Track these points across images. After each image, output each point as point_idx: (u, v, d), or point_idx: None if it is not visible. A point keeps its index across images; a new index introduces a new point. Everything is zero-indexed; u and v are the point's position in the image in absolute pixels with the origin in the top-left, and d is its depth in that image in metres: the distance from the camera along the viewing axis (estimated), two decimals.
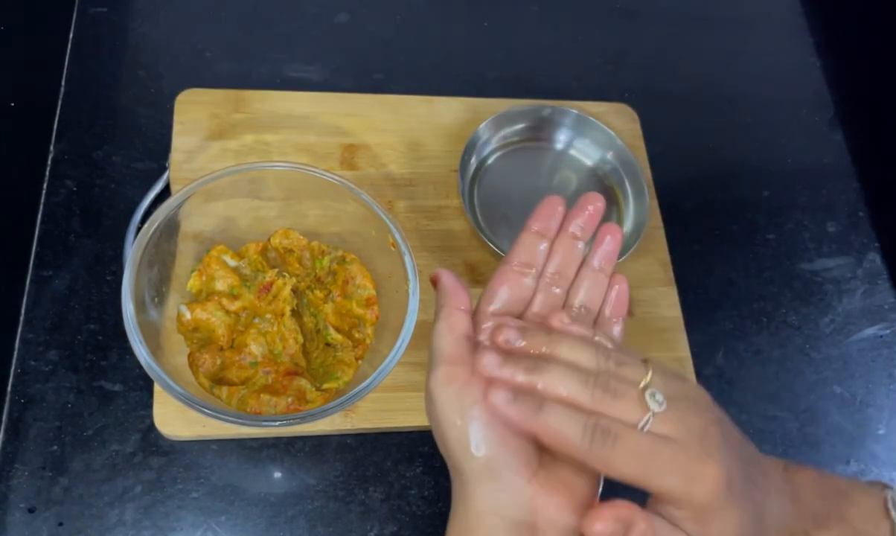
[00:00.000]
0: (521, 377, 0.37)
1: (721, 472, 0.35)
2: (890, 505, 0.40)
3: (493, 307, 0.43)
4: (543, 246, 0.44)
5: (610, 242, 0.44)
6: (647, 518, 0.35)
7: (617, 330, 0.44)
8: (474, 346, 0.39)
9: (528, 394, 0.37)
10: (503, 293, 0.43)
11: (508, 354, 0.38)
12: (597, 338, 0.40)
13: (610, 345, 0.40)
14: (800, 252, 0.72)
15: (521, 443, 0.38)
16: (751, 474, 0.37)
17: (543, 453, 0.39)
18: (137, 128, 0.65)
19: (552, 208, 0.44)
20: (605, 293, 0.44)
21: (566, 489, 0.38)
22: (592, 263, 0.44)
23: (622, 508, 0.35)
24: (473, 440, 0.37)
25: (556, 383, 0.37)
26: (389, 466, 0.56)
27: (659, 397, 0.36)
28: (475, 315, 0.43)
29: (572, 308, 0.44)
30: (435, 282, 0.41)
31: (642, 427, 0.35)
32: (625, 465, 0.35)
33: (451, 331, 0.39)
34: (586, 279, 0.44)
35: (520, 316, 0.43)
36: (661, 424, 0.36)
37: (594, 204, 0.44)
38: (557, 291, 0.44)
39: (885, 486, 0.41)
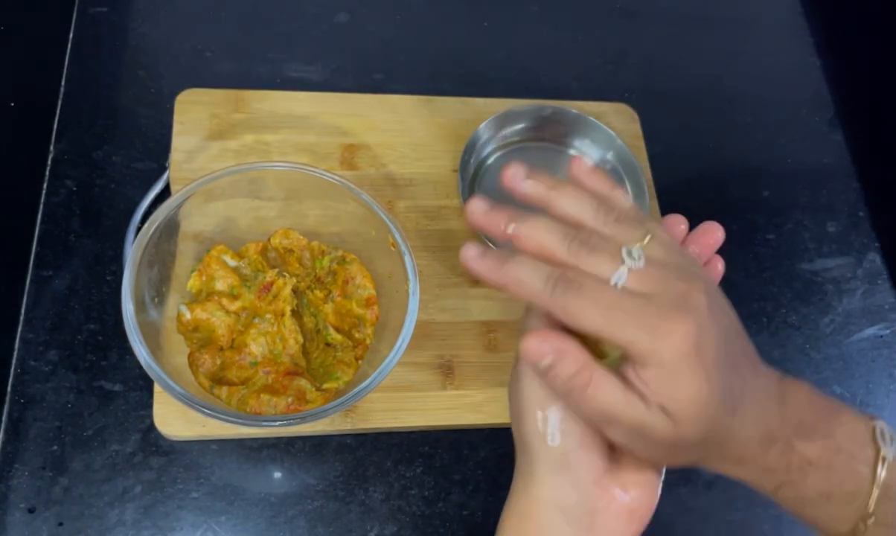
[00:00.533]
0: (503, 225, 0.36)
1: (690, 332, 0.33)
2: (878, 435, 0.39)
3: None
4: None
5: (713, 242, 0.45)
6: (584, 360, 0.34)
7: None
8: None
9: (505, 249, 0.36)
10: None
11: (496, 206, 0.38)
12: (613, 192, 0.39)
13: (625, 205, 0.38)
14: (800, 252, 0.72)
15: (596, 442, 0.38)
16: (735, 360, 0.36)
17: (611, 459, 0.39)
18: (137, 128, 0.65)
19: (675, 227, 0.45)
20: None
21: (625, 496, 0.38)
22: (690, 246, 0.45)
23: (559, 338, 0.34)
24: (552, 430, 0.37)
25: (535, 234, 0.36)
26: (389, 466, 0.56)
27: (636, 253, 0.35)
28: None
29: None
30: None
31: (615, 283, 0.34)
32: (586, 314, 0.33)
33: (538, 319, 0.37)
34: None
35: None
36: (636, 281, 0.34)
37: (715, 235, 0.45)
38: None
39: (873, 417, 0.40)
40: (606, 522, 0.38)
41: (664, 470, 0.41)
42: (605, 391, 0.34)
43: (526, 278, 0.35)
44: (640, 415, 0.34)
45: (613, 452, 0.39)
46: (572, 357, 0.34)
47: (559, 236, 0.35)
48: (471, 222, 0.37)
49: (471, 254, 0.36)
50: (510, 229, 0.36)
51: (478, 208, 0.37)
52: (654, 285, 0.34)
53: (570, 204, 0.37)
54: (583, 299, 0.34)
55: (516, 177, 0.38)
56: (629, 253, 0.35)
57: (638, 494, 0.38)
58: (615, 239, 0.36)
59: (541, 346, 0.34)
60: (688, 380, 0.34)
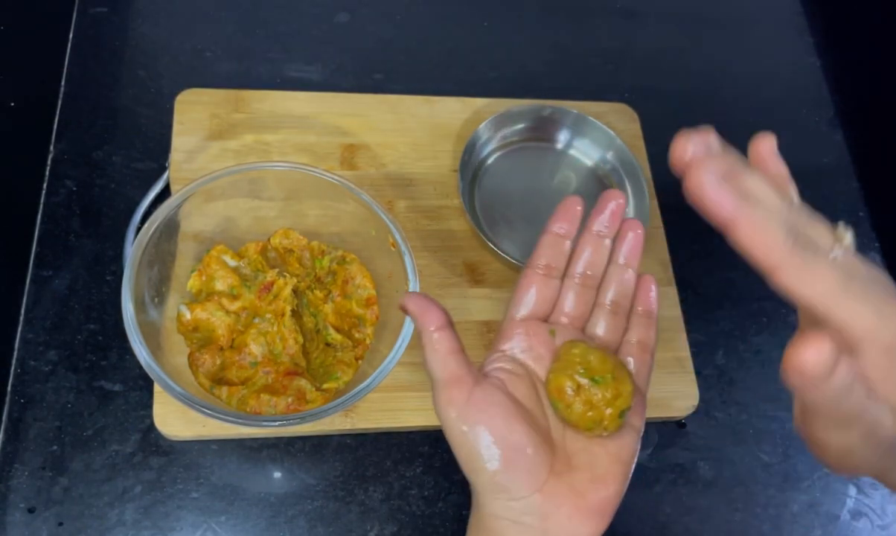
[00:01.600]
0: (724, 166, 0.32)
1: None
2: None
3: (521, 313, 0.43)
4: (566, 247, 0.44)
5: (632, 238, 0.44)
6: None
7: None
8: (465, 358, 0.39)
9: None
10: (530, 297, 0.43)
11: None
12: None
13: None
14: None
15: (527, 457, 0.38)
16: None
17: (556, 461, 0.39)
18: (137, 128, 0.65)
19: (572, 209, 0.44)
20: (635, 291, 0.45)
21: (577, 497, 0.39)
22: (618, 260, 0.45)
23: (830, 340, 0.29)
24: (479, 457, 0.38)
25: (757, 187, 0.32)
26: (389, 466, 0.56)
27: (850, 236, 0.32)
28: (505, 324, 0.43)
29: (605, 306, 0.44)
30: (405, 311, 0.40)
31: (833, 258, 0.31)
32: (822, 280, 0.30)
33: (435, 354, 0.39)
34: (614, 276, 0.44)
35: (547, 319, 0.44)
36: (851, 260, 0.31)
37: (616, 201, 0.44)
38: (589, 298, 0.44)
39: None
40: (559, 524, 0.38)
41: (633, 465, 0.41)
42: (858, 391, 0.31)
43: (769, 223, 0.30)
44: (873, 411, 0.31)
45: (557, 462, 0.39)
46: (847, 360, 0.30)
47: (775, 197, 0.32)
48: (684, 159, 0.33)
49: (711, 179, 0.31)
50: (733, 171, 0.32)
51: (695, 138, 0.33)
52: (864, 270, 0.32)
53: (770, 190, 0.33)
54: (822, 268, 0.30)
55: (720, 163, 0.33)
56: (846, 229, 0.32)
57: (592, 492, 0.39)
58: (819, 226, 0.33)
59: (822, 347, 0.29)
60: None
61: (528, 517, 0.38)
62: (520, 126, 0.69)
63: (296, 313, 0.55)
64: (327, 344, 0.56)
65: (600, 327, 0.45)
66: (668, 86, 0.78)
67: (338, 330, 0.56)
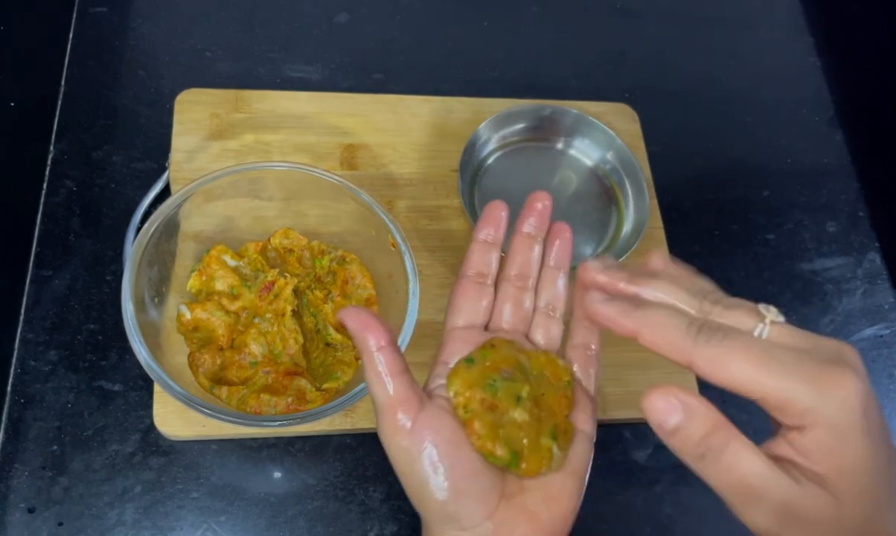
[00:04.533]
0: (623, 284, 0.34)
1: (859, 389, 0.29)
2: None
3: (458, 322, 0.43)
4: (494, 254, 0.44)
5: (559, 243, 0.44)
6: (720, 420, 0.30)
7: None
8: (410, 379, 0.37)
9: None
10: (467, 306, 0.43)
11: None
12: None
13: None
14: (800, 252, 0.72)
15: (477, 483, 0.37)
16: (884, 425, 0.31)
17: (507, 483, 0.38)
18: (137, 128, 0.65)
19: (497, 214, 0.44)
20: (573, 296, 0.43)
21: (531, 518, 0.38)
22: (549, 262, 0.44)
23: (689, 394, 0.30)
24: (427, 487, 0.37)
25: (662, 291, 0.33)
26: (389, 466, 0.55)
27: (774, 310, 0.32)
28: (445, 335, 0.43)
29: (541, 310, 0.44)
30: (344, 327, 0.38)
31: (758, 335, 0.31)
32: (739, 363, 0.29)
33: (378, 376, 0.37)
34: (547, 280, 0.44)
35: (486, 327, 0.43)
36: (781, 335, 0.31)
37: (543, 201, 0.44)
38: (527, 303, 0.43)
39: None
40: None
41: (587, 475, 0.40)
42: (746, 459, 0.30)
43: (667, 323, 0.31)
44: (789, 491, 0.29)
45: (509, 484, 0.38)
46: (704, 415, 0.30)
47: (688, 294, 0.32)
48: (589, 283, 0.36)
49: (597, 298, 0.33)
50: (632, 288, 0.34)
51: (596, 266, 0.36)
52: (802, 340, 0.31)
53: (668, 296, 0.34)
54: (733, 346, 0.30)
55: (610, 284, 0.36)
56: (768, 308, 0.32)
57: (546, 514, 0.38)
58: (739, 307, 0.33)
59: (668, 402, 0.30)
60: (856, 445, 0.29)
61: None
62: (520, 126, 0.69)
63: (296, 313, 0.55)
64: (327, 344, 0.56)
65: (538, 333, 0.44)
66: (668, 86, 0.78)
67: (338, 330, 0.56)
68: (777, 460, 0.30)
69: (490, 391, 0.39)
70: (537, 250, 0.44)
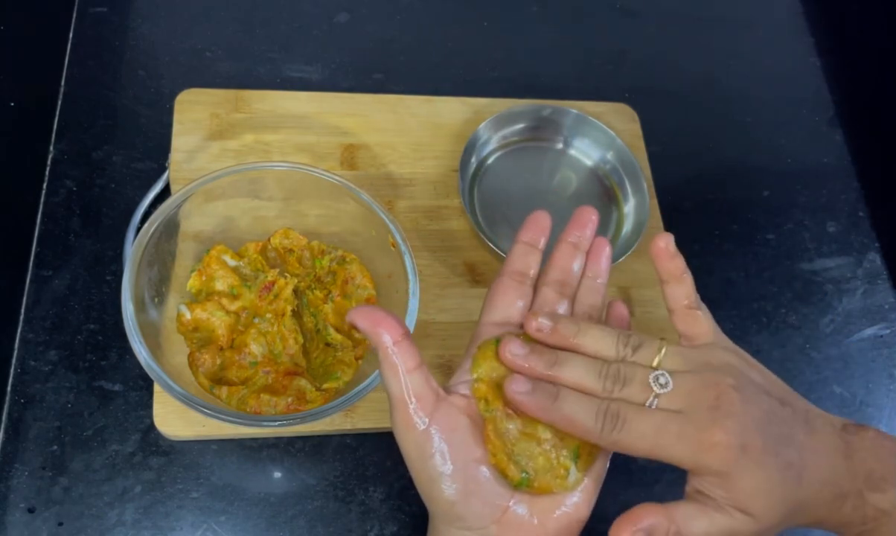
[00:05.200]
0: (542, 369, 0.38)
1: (730, 438, 0.36)
2: None
3: (495, 317, 0.43)
4: (535, 257, 0.45)
5: (604, 258, 0.45)
6: (668, 516, 0.36)
7: None
8: (426, 373, 0.38)
9: (545, 383, 0.38)
10: (504, 302, 0.43)
11: (532, 346, 0.40)
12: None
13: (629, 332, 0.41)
14: (800, 252, 0.72)
15: (487, 487, 0.38)
16: (784, 433, 0.38)
17: (516, 490, 0.39)
18: (137, 128, 0.65)
19: (541, 222, 0.45)
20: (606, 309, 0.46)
21: (538, 526, 0.38)
22: (588, 274, 0.45)
23: (644, 517, 0.35)
24: (437, 486, 0.37)
25: (574, 375, 0.38)
26: (389, 466, 0.56)
27: (663, 379, 0.38)
28: (478, 328, 0.43)
29: (576, 317, 0.44)
30: (354, 327, 0.39)
31: (650, 405, 0.37)
32: (636, 444, 0.36)
33: (395, 371, 0.37)
34: (587, 290, 0.45)
35: (520, 326, 0.43)
36: (668, 401, 0.37)
37: (591, 218, 0.45)
38: (564, 309, 0.44)
39: None
40: None
41: (598, 491, 0.41)
42: (698, 526, 0.36)
43: (577, 417, 0.37)
44: (726, 523, 0.36)
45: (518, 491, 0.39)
46: (662, 523, 0.36)
47: (594, 374, 0.38)
48: (510, 365, 0.39)
49: (520, 389, 0.37)
50: (549, 372, 0.38)
51: (517, 350, 0.39)
52: (685, 400, 0.37)
53: (594, 345, 0.40)
54: (630, 433, 0.37)
55: (541, 329, 0.40)
56: (656, 380, 0.38)
57: (556, 520, 0.38)
58: (640, 362, 0.39)
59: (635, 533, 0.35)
60: (744, 479, 0.36)
61: None
62: (520, 126, 0.69)
63: (296, 313, 0.55)
64: (327, 344, 0.56)
65: None
66: (668, 86, 0.78)
67: (338, 330, 0.56)
68: (700, 494, 0.37)
69: None
70: (579, 261, 0.45)
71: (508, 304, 0.43)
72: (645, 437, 0.36)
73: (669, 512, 0.36)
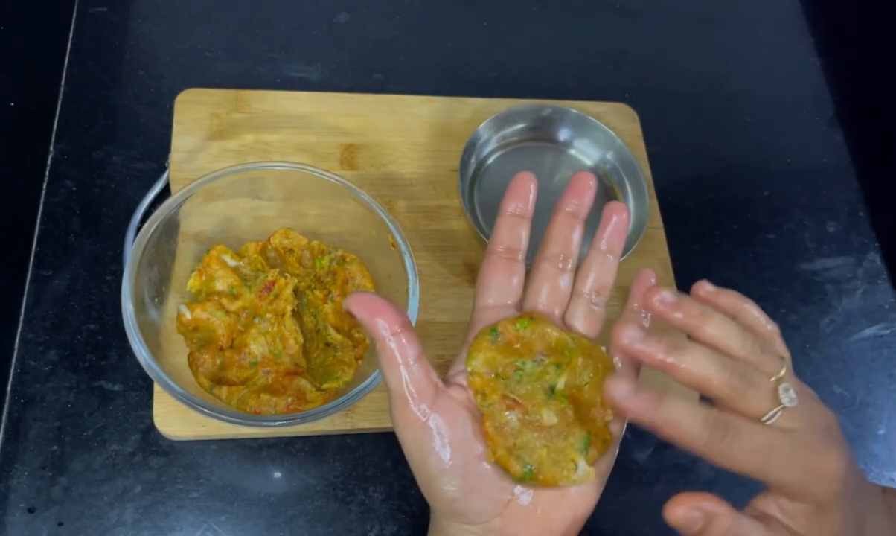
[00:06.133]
0: (661, 355, 0.34)
1: (841, 469, 0.34)
2: None
3: (490, 301, 0.41)
4: (524, 228, 0.42)
5: (616, 222, 0.42)
6: (732, 515, 0.34)
7: None
8: (426, 364, 0.36)
9: (648, 386, 0.35)
10: (497, 283, 0.41)
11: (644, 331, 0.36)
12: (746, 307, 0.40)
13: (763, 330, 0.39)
14: (800, 252, 0.72)
15: (488, 482, 0.37)
16: (860, 483, 0.37)
17: (520, 484, 0.38)
18: (137, 128, 0.65)
19: (525, 186, 0.42)
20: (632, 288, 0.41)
21: (541, 519, 0.37)
22: (599, 245, 0.42)
23: (707, 499, 0.33)
24: (438, 482, 0.36)
25: (696, 365, 0.34)
26: (389, 466, 0.56)
27: (792, 393, 0.35)
28: (475, 316, 0.41)
29: (583, 296, 0.41)
30: (350, 314, 0.36)
31: (768, 420, 0.34)
32: (744, 460, 0.34)
33: (392, 364, 0.35)
34: (595, 263, 0.41)
35: (518, 306, 0.41)
36: (787, 419, 0.35)
37: (589, 183, 0.42)
38: (565, 284, 0.41)
39: None
40: None
41: (607, 478, 0.39)
42: None
43: (684, 423, 0.33)
44: None
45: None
46: (724, 517, 0.33)
47: (719, 366, 0.34)
48: (626, 351, 0.35)
49: (623, 390, 0.34)
50: (669, 359, 0.35)
51: (633, 336, 0.35)
52: (801, 421, 0.35)
53: (718, 332, 0.36)
54: (742, 446, 0.34)
55: (665, 302, 0.36)
56: (787, 391, 0.35)
57: (560, 513, 0.37)
58: (764, 369, 0.36)
59: (691, 513, 0.33)
60: (835, 516, 0.35)
61: None
62: (520, 126, 0.69)
63: (296, 313, 0.55)
64: (327, 344, 0.56)
65: (578, 320, 0.41)
66: (668, 86, 0.78)
67: (338, 330, 0.56)
68: (764, 517, 0.35)
69: (515, 381, 0.37)
70: (578, 231, 0.42)
71: (502, 283, 0.41)
72: (755, 452, 0.34)
73: (734, 514, 0.34)
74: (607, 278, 0.42)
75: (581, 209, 0.42)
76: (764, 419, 0.34)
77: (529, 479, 0.37)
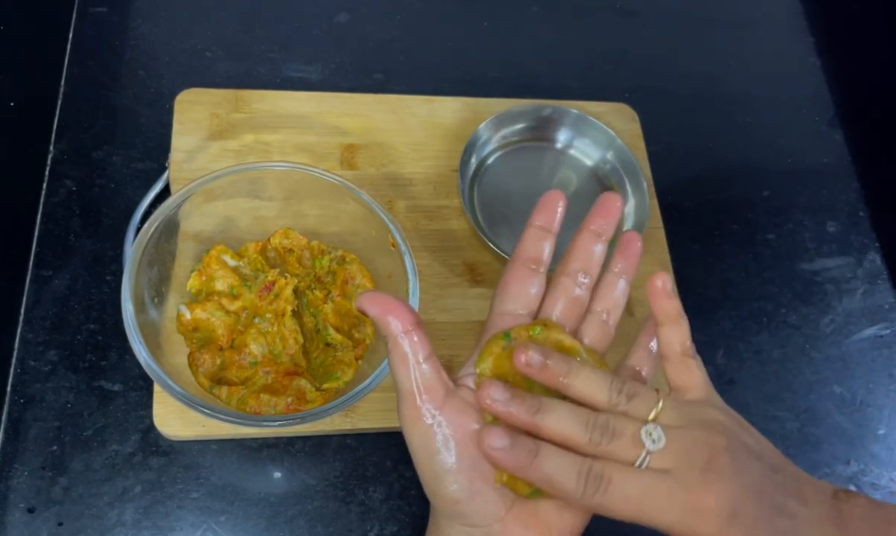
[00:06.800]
0: (524, 417, 0.36)
1: (721, 503, 0.34)
2: None
3: (507, 306, 0.42)
4: (548, 242, 0.43)
5: (633, 252, 0.43)
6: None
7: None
8: (437, 363, 0.37)
9: (525, 437, 0.36)
10: (516, 290, 0.42)
11: (513, 392, 0.37)
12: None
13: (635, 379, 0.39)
14: (800, 252, 0.72)
15: (493, 486, 0.37)
16: (777, 501, 0.36)
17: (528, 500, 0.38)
18: (137, 128, 0.65)
19: (553, 204, 0.43)
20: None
21: (542, 525, 0.37)
22: (613, 268, 0.43)
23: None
24: (442, 483, 0.36)
25: (557, 425, 0.36)
26: (389, 466, 0.56)
27: (656, 434, 0.35)
28: (490, 319, 0.42)
29: (596, 314, 0.43)
30: (363, 313, 0.38)
31: (639, 465, 0.35)
32: (620, 506, 0.34)
33: (404, 362, 0.36)
34: (609, 285, 0.43)
35: (534, 316, 0.42)
36: (660, 459, 0.35)
37: (615, 204, 0.43)
38: (582, 300, 0.42)
39: None
40: None
41: None
42: None
43: (557, 477, 0.35)
44: None
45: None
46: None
47: (580, 425, 0.36)
48: (490, 411, 0.36)
49: (498, 445, 0.35)
50: (532, 419, 0.36)
51: (498, 396, 0.36)
52: (676, 459, 0.35)
53: (584, 388, 0.37)
54: (615, 496, 0.34)
55: (531, 364, 0.37)
56: (649, 435, 0.35)
57: (558, 520, 0.38)
58: (632, 414, 0.36)
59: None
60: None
61: None
62: (520, 126, 0.69)
63: (296, 313, 0.55)
64: (327, 344, 0.56)
65: (587, 336, 0.42)
66: (668, 86, 0.78)
67: (338, 330, 0.56)
68: None
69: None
70: (600, 250, 0.43)
71: (521, 292, 0.42)
72: (629, 499, 0.34)
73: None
74: (619, 299, 0.43)
75: (606, 229, 0.43)
76: (636, 464, 0.35)
77: (537, 495, 0.37)
